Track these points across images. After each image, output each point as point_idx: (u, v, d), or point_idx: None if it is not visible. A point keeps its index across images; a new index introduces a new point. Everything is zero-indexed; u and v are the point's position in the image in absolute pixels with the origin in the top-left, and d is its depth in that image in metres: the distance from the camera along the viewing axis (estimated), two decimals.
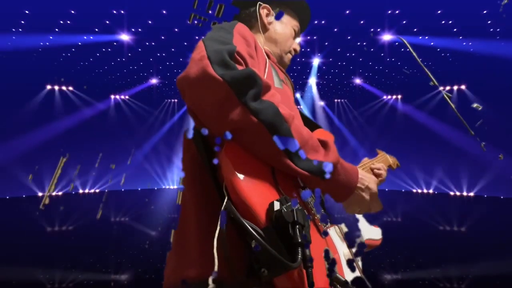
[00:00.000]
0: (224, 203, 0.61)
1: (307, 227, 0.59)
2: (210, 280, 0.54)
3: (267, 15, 1.08)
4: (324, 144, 0.75)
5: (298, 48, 1.13)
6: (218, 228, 0.58)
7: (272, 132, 0.64)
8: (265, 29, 1.08)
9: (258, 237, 0.55)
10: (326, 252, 0.68)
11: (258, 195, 0.61)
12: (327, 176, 0.70)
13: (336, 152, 0.75)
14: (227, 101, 0.62)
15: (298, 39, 1.16)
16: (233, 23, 0.84)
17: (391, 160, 1.10)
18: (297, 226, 0.57)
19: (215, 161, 0.67)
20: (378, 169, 0.99)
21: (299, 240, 0.55)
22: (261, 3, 1.07)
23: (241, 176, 0.61)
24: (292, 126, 0.68)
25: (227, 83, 0.61)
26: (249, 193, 0.60)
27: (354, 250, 0.86)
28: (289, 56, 1.11)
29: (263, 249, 0.55)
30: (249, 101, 0.63)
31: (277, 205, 0.59)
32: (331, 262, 0.67)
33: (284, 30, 1.08)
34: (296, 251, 0.55)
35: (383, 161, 1.05)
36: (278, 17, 1.10)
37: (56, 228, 5.61)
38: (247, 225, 0.57)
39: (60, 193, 10.43)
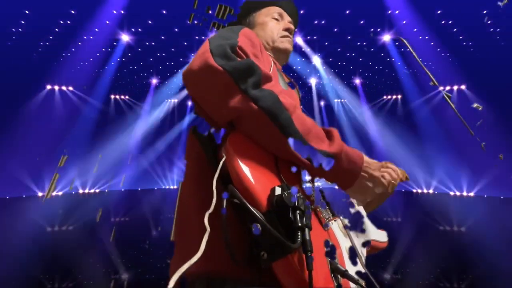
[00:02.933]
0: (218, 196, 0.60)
1: (308, 215, 0.59)
2: (203, 245, 0.53)
3: None
4: (328, 133, 0.75)
5: (289, 26, 1.11)
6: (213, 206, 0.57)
7: (272, 119, 0.65)
8: None
9: (260, 218, 0.56)
10: (327, 243, 0.68)
11: (260, 182, 0.62)
12: (329, 165, 0.71)
13: (341, 141, 0.75)
14: (228, 90, 0.64)
15: (287, 18, 1.14)
16: (241, 27, 0.86)
17: (399, 171, 1.09)
18: (298, 211, 0.57)
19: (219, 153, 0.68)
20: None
21: (299, 225, 0.56)
22: None
23: (244, 164, 0.62)
24: (293, 115, 0.68)
25: (227, 72, 0.63)
26: (251, 180, 0.60)
27: (356, 245, 0.85)
28: (283, 39, 1.09)
29: (263, 232, 0.55)
30: (249, 89, 0.65)
31: (278, 190, 0.59)
32: (332, 252, 0.67)
33: (263, 28, 1.09)
34: (296, 234, 0.56)
35: None
36: (252, 22, 1.11)
37: (56, 228, 5.61)
38: (249, 206, 0.57)
39: (60, 193, 10.44)
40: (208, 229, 0.54)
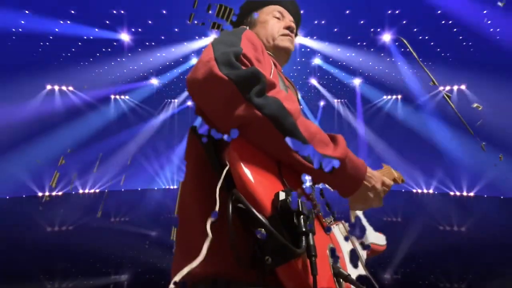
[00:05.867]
0: (219, 194, 0.61)
1: (312, 219, 0.59)
2: (204, 249, 0.53)
3: None
4: (333, 138, 0.76)
5: (290, 24, 1.11)
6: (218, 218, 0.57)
7: (277, 126, 0.66)
8: None
9: (266, 223, 0.56)
10: (330, 248, 0.68)
11: (264, 186, 0.62)
12: (334, 170, 0.71)
13: (346, 147, 0.75)
14: (233, 99, 0.64)
15: (289, 17, 1.14)
16: (243, 29, 0.86)
17: (396, 174, 1.09)
18: (302, 216, 0.57)
19: (222, 155, 0.68)
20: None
21: (304, 229, 0.56)
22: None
23: (247, 169, 0.62)
24: (298, 120, 0.69)
25: (232, 81, 0.64)
26: (255, 184, 0.60)
27: (358, 248, 0.86)
28: (284, 38, 1.09)
29: (268, 237, 0.55)
30: (253, 97, 0.65)
31: (282, 195, 0.59)
32: (334, 257, 0.67)
33: (264, 26, 1.09)
34: (300, 239, 0.56)
35: (387, 174, 1.04)
36: (253, 22, 1.12)
37: (56, 228, 5.61)
38: (255, 211, 0.57)
39: (60, 193, 10.44)
40: (210, 235, 0.54)
